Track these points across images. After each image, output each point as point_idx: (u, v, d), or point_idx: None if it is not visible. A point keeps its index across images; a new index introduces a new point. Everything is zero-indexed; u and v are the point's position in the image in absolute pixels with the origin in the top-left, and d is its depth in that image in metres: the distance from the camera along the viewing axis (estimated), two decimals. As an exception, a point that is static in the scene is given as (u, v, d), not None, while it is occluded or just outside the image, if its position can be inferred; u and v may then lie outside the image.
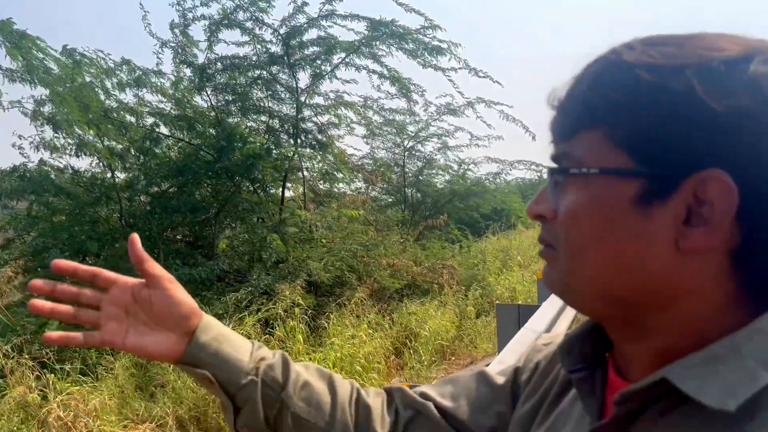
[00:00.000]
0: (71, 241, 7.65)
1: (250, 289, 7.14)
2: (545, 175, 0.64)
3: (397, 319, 7.60)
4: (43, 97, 7.21)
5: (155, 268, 0.80)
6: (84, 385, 4.60)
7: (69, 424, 4.14)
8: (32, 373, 4.38)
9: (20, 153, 7.77)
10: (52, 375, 4.41)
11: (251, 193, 9.73)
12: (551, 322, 4.40)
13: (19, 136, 7.73)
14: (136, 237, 0.79)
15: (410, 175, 14.41)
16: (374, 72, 9.51)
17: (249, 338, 0.88)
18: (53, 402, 4.16)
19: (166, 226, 8.74)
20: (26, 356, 4.47)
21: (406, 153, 13.97)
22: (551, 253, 0.58)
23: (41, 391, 4.31)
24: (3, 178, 8.03)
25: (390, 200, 15.31)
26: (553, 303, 4.74)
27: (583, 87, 0.54)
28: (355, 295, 7.49)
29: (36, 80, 6.69)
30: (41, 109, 7.38)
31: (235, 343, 0.83)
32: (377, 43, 8.97)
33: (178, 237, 9.57)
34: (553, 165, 0.58)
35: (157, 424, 4.66)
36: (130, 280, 0.81)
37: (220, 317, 6.43)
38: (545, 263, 0.60)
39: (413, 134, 13.58)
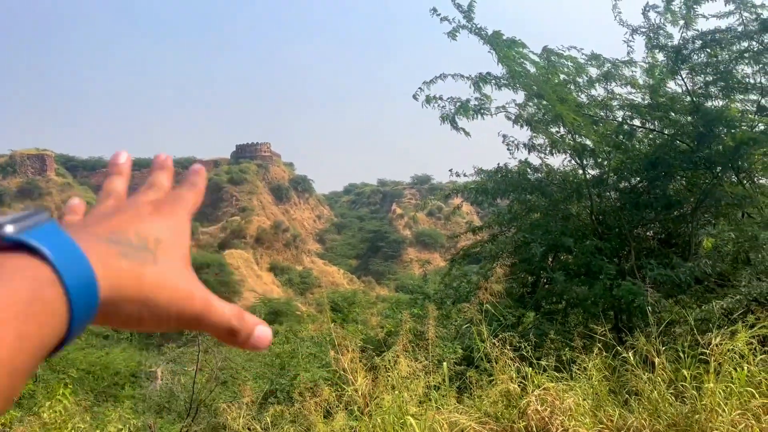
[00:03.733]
0: (546, 237, 8.00)
1: (738, 297, 6.15)
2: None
3: None
4: (523, 101, 7.73)
5: None
6: (559, 382, 4.65)
7: (546, 419, 4.23)
8: (513, 364, 4.64)
9: (508, 150, 8.49)
10: (530, 368, 4.59)
11: (735, 184, 8.45)
12: None
13: (503, 136, 8.48)
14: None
15: None
16: None
17: None
18: (531, 395, 4.32)
19: (636, 222, 8.40)
20: (508, 347, 4.77)
21: None
22: None
23: (521, 382, 4.53)
24: (489, 178, 8.97)
25: None
26: None
27: None
28: None
29: (518, 84, 7.20)
30: (522, 111, 7.93)
31: None
32: None
33: (649, 234, 9.07)
34: None
35: (632, 435, 4.38)
36: None
37: (702, 325, 5.75)
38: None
39: None
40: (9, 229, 0.41)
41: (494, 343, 4.93)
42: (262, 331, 0.57)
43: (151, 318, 0.49)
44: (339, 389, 4.42)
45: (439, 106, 7.52)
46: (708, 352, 4.67)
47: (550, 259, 8.76)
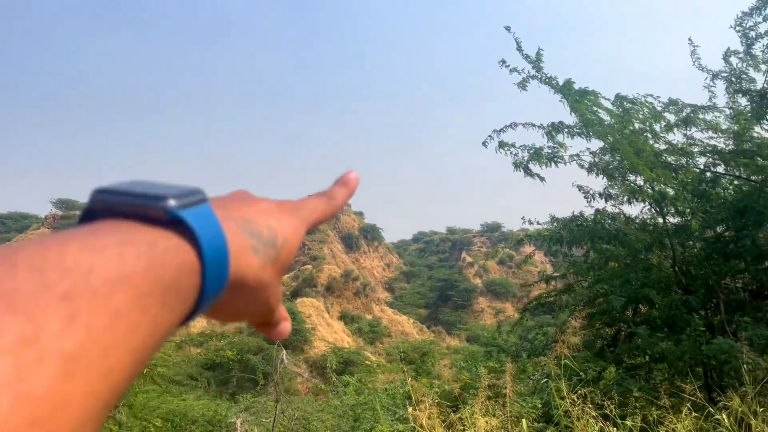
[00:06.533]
0: (626, 288, 7.71)
1: None
2: None
3: None
4: (597, 150, 7.61)
5: None
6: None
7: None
8: (596, 424, 4.44)
9: (585, 199, 8.38)
10: (615, 429, 4.37)
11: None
12: None
13: (578, 187, 8.34)
14: None
15: None
16: None
17: None
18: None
19: (724, 273, 7.96)
20: (590, 405, 4.57)
21: None
22: None
23: (604, 443, 4.31)
24: (564, 226, 8.79)
25: None
26: None
27: None
28: None
29: (591, 133, 7.10)
30: (596, 160, 7.79)
31: None
32: None
33: (739, 285, 8.56)
34: None
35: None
36: None
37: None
38: None
39: None
40: (172, 203, 0.40)
41: (574, 400, 4.74)
42: (287, 325, 0.59)
43: (252, 313, 0.50)
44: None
45: (511, 153, 7.51)
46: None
47: (630, 311, 8.40)
